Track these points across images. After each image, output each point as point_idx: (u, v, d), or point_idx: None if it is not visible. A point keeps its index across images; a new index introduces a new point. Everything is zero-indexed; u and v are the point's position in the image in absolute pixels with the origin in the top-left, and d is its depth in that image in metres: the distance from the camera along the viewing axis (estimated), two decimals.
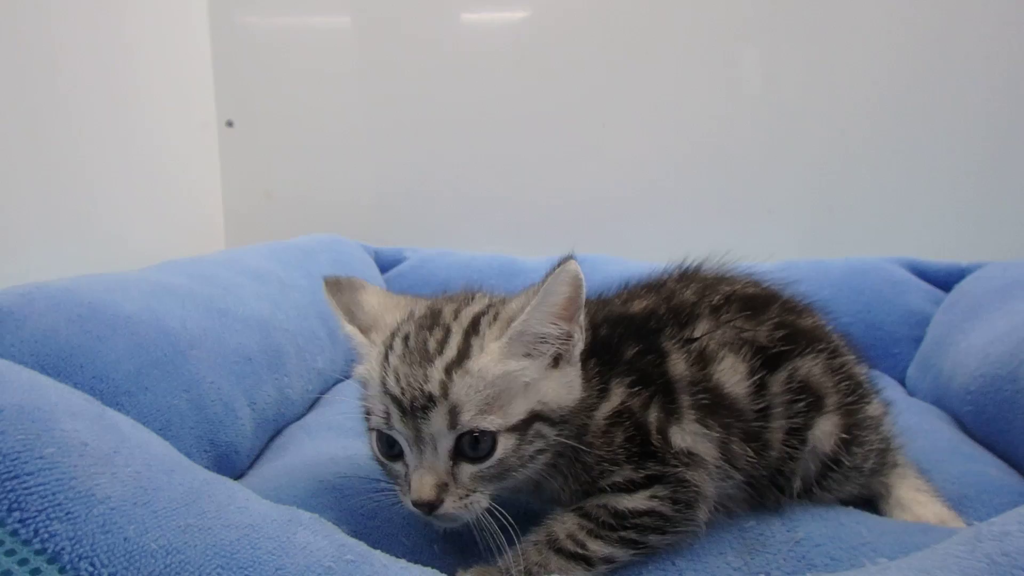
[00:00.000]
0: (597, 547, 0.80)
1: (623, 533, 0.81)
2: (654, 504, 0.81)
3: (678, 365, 0.90)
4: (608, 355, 0.89)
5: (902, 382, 1.75)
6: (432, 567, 0.70)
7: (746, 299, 1.00)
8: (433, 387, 0.74)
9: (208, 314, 1.10)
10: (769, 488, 0.94)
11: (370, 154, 2.27)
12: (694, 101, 2.17)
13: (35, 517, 0.53)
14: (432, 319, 0.82)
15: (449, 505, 0.75)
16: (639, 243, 2.22)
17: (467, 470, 0.76)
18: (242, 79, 2.18)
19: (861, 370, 1.03)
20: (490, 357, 0.77)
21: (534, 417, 0.78)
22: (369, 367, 0.81)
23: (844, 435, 0.94)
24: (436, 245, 2.17)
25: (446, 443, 0.75)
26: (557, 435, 0.80)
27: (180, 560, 0.56)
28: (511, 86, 2.21)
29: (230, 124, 2.14)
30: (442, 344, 0.78)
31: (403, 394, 0.75)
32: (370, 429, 0.82)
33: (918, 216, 2.15)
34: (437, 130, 2.24)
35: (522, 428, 0.77)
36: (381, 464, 0.82)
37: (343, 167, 2.27)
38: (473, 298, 0.89)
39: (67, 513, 0.53)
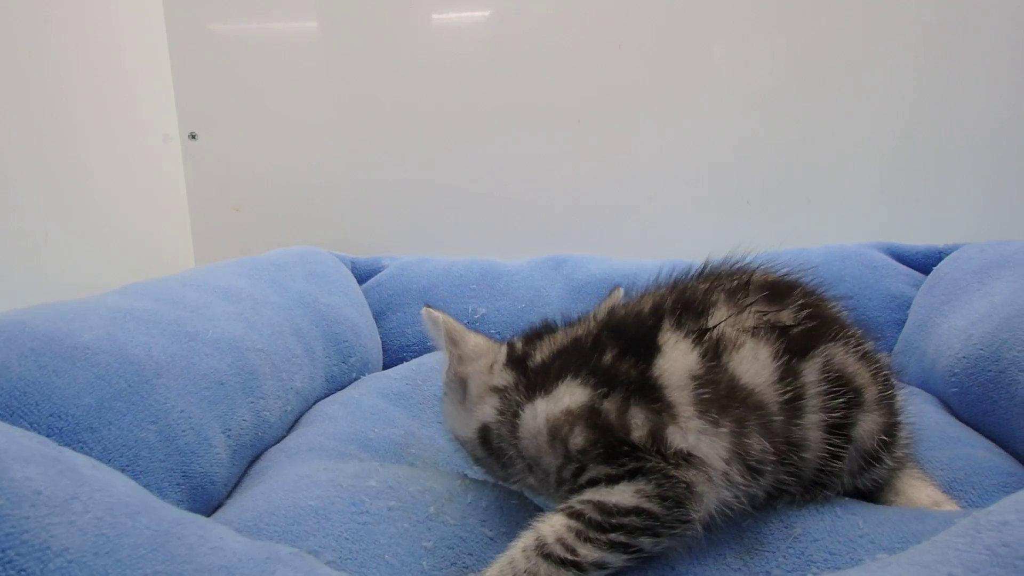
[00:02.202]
0: (587, 551, 0.76)
1: (612, 535, 0.77)
2: (641, 501, 0.78)
3: (674, 360, 0.86)
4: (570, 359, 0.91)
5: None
6: None
7: (766, 284, 0.97)
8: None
9: (175, 339, 1.06)
10: (814, 488, 0.91)
11: (341, 162, 2.23)
12: (670, 96, 2.16)
13: None
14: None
15: None
16: (620, 239, 2.21)
17: None
18: (205, 90, 2.12)
19: (887, 359, 1.01)
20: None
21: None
22: None
23: (884, 436, 0.92)
24: (414, 251, 2.14)
25: None
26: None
27: None
28: (484, 87, 2.18)
29: (193, 137, 2.08)
30: None
31: None
32: None
33: (894, 202, 2.17)
34: (410, 135, 2.20)
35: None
36: None
37: (313, 176, 2.22)
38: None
39: (20, 571, 0.49)
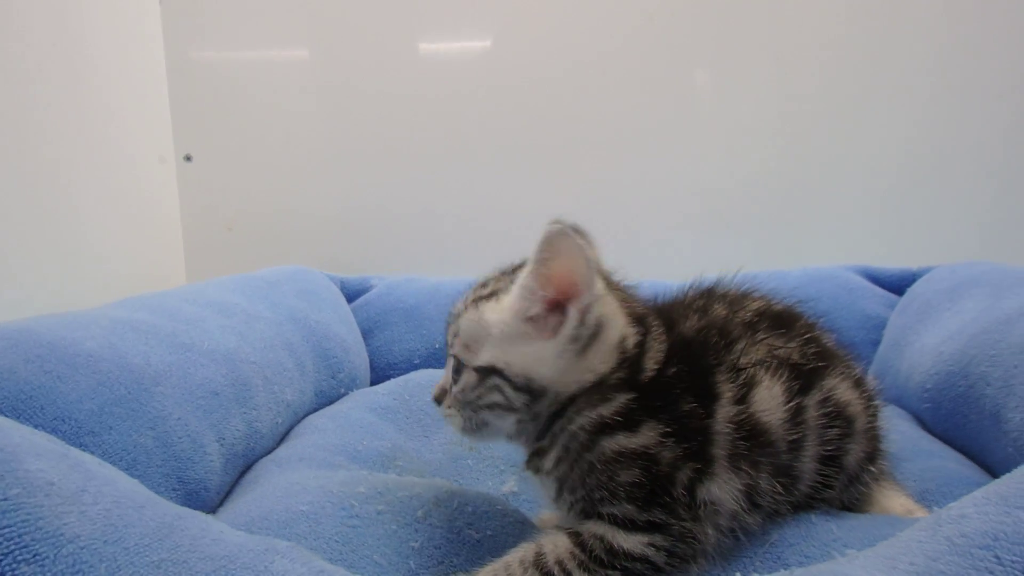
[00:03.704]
0: None
1: (610, 573, 0.78)
2: (649, 553, 0.78)
3: (726, 408, 0.84)
4: (658, 393, 0.83)
5: None
6: None
7: (775, 315, 0.97)
8: (457, 313, 0.90)
9: (172, 349, 1.08)
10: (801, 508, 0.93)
11: (332, 185, 2.28)
12: (651, 121, 2.23)
13: (1, 560, 0.52)
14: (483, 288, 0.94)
15: (442, 410, 0.92)
16: (603, 260, 2.25)
17: (453, 388, 0.90)
18: (200, 113, 2.17)
19: (873, 385, 1.03)
20: (481, 309, 0.87)
21: (492, 370, 0.85)
22: None
23: (868, 462, 0.96)
24: (402, 272, 2.17)
25: (449, 360, 0.91)
26: (523, 401, 0.85)
27: None
28: (471, 113, 2.24)
29: (188, 159, 2.12)
30: (484, 288, 0.91)
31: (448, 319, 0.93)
32: None
33: (870, 226, 2.24)
34: (398, 159, 2.26)
35: (483, 372, 0.86)
36: None
37: (305, 198, 2.27)
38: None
39: (34, 555, 0.52)
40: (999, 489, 0.64)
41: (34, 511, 0.54)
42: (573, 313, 0.81)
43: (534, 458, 0.90)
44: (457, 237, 2.30)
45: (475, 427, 0.90)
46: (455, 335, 0.89)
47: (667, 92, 2.22)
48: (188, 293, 1.35)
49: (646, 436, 0.81)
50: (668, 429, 0.81)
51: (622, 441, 0.81)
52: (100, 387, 0.90)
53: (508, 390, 0.85)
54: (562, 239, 0.79)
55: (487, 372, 0.85)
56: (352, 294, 2.05)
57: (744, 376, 0.86)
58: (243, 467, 1.18)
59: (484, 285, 0.93)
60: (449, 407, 0.91)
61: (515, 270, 0.92)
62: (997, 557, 0.56)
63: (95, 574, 0.53)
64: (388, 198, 2.28)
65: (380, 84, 2.21)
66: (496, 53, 2.22)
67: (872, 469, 0.97)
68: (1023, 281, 1.45)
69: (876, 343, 1.83)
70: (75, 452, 0.67)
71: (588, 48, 2.20)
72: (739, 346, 0.89)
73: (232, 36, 2.21)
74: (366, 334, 1.94)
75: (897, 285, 1.95)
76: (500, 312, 0.86)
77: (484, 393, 0.87)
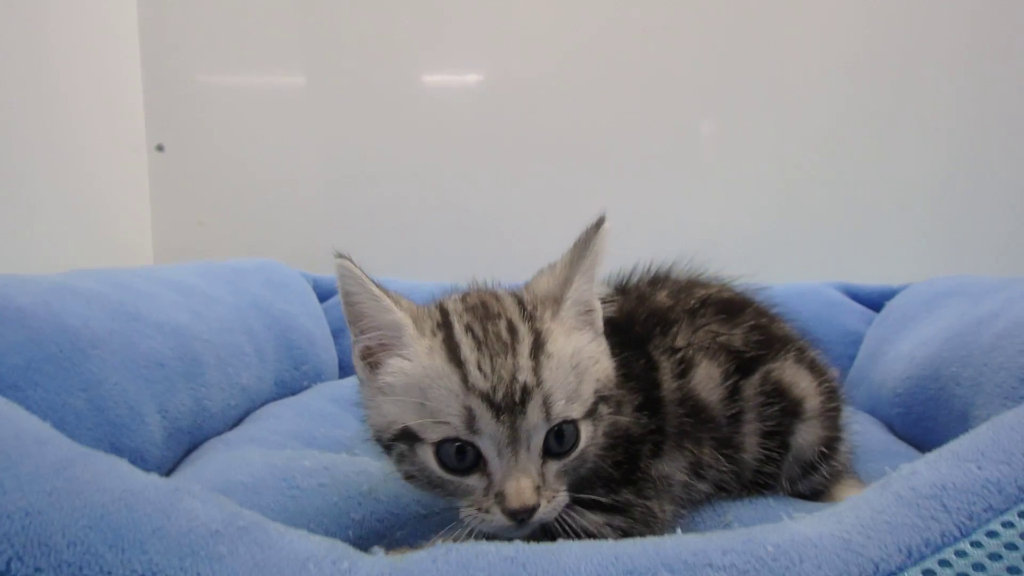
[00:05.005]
0: None
1: None
2: (606, 532, 0.76)
3: (667, 381, 0.87)
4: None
5: None
6: None
7: (721, 303, 0.99)
8: (527, 376, 0.67)
9: (116, 316, 1.05)
10: (752, 487, 0.94)
11: (310, 182, 2.24)
12: (641, 145, 2.22)
13: None
14: (483, 309, 0.74)
15: (543, 509, 0.68)
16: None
17: (552, 467, 0.70)
18: (174, 100, 2.12)
19: (834, 375, 1.04)
20: (560, 338, 0.71)
21: (599, 399, 0.73)
22: (423, 364, 0.70)
23: (824, 448, 0.94)
24: (378, 275, 2.14)
25: (538, 439, 0.68)
26: (610, 414, 0.75)
27: (41, 522, 0.51)
28: (460, 139, 2.23)
29: (160, 148, 2.08)
30: (512, 332, 0.71)
31: (495, 389, 0.67)
32: (426, 442, 0.69)
33: (853, 245, 2.24)
34: (379, 158, 2.23)
35: (592, 412, 0.72)
36: (440, 484, 0.71)
37: (282, 194, 2.23)
38: (489, 288, 0.84)
39: None
40: (952, 447, 0.61)
41: None
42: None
43: None
44: (435, 241, 2.27)
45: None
46: (544, 403, 0.68)
47: (657, 113, 2.22)
48: (145, 271, 1.32)
49: (625, 415, 0.80)
50: (638, 400, 0.82)
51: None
52: (28, 343, 0.86)
53: (605, 411, 0.74)
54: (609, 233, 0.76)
55: (595, 405, 0.72)
56: (325, 293, 2.02)
57: (680, 355, 0.88)
58: (189, 444, 1.14)
59: (498, 340, 0.71)
60: (552, 497, 0.69)
61: (488, 317, 0.74)
62: (943, 505, 0.53)
63: None
64: (366, 200, 2.25)
65: (359, 78, 2.19)
66: (489, 86, 2.23)
67: (831, 457, 0.96)
68: (1000, 288, 1.44)
69: (853, 357, 1.83)
70: None
71: (584, 82, 2.20)
72: (674, 329, 0.91)
73: (209, 23, 2.16)
74: (337, 333, 1.90)
75: (876, 302, 1.96)
76: (571, 337, 0.73)
77: (597, 433, 0.73)
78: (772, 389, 0.92)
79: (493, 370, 0.67)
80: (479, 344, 0.69)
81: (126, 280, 1.19)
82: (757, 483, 0.95)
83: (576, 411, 0.70)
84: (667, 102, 2.22)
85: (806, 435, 0.93)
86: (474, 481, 0.69)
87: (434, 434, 0.68)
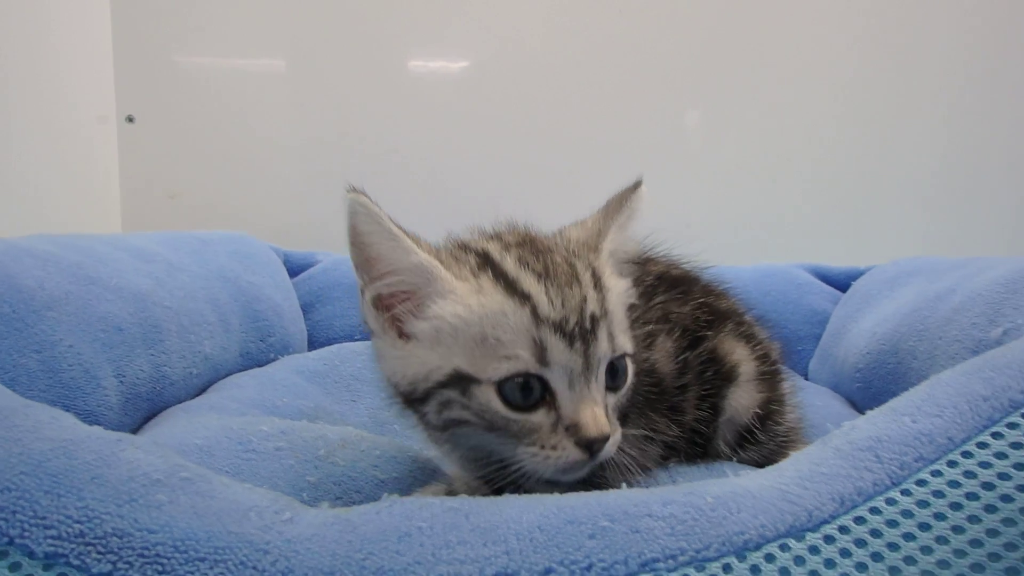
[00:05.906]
0: None
1: None
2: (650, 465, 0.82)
3: (639, 351, 0.88)
4: None
5: (805, 376, 1.80)
6: None
7: (673, 280, 1.01)
8: (594, 306, 0.68)
9: (73, 279, 1.03)
10: (690, 448, 0.96)
11: (285, 156, 2.22)
12: (622, 134, 2.23)
13: None
14: (532, 244, 0.74)
15: (613, 439, 0.67)
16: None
17: (611, 400, 0.70)
18: (145, 70, 2.09)
19: (775, 348, 1.07)
20: (610, 276, 0.73)
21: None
22: (476, 303, 0.67)
23: (759, 410, 0.96)
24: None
25: (603, 370, 0.68)
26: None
27: None
28: (443, 122, 2.22)
29: (131, 120, 2.05)
30: (570, 265, 0.71)
31: (566, 319, 0.66)
32: (486, 383, 0.66)
33: (821, 227, 2.27)
34: (356, 133, 2.22)
35: (633, 355, 0.74)
36: (502, 426, 0.68)
37: (255, 169, 2.20)
38: (527, 230, 0.84)
39: None
40: (892, 403, 0.62)
41: None
42: None
43: None
44: (414, 224, 2.26)
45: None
46: (609, 334, 0.69)
47: (638, 104, 2.24)
48: (107, 237, 1.30)
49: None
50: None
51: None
52: None
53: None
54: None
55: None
56: (296, 268, 2.00)
57: (643, 331, 0.89)
58: (148, 411, 1.13)
59: (563, 272, 0.71)
60: (614, 431, 0.69)
61: (539, 252, 0.73)
62: (877, 456, 0.54)
63: None
64: (342, 179, 2.23)
65: (338, 59, 2.17)
66: (476, 72, 2.21)
67: (769, 421, 0.98)
68: (959, 266, 1.46)
69: (819, 337, 1.85)
70: None
71: (571, 69, 2.20)
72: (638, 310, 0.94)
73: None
74: (307, 308, 1.89)
75: (843, 283, 1.97)
76: (617, 279, 0.76)
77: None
78: (708, 357, 0.95)
79: (563, 301, 0.67)
80: (540, 277, 0.69)
81: (86, 245, 1.17)
82: (695, 443, 0.97)
83: (630, 345, 0.72)
84: (650, 88, 2.24)
85: (740, 399, 0.96)
86: (539, 418, 0.67)
87: (497, 372, 0.66)
